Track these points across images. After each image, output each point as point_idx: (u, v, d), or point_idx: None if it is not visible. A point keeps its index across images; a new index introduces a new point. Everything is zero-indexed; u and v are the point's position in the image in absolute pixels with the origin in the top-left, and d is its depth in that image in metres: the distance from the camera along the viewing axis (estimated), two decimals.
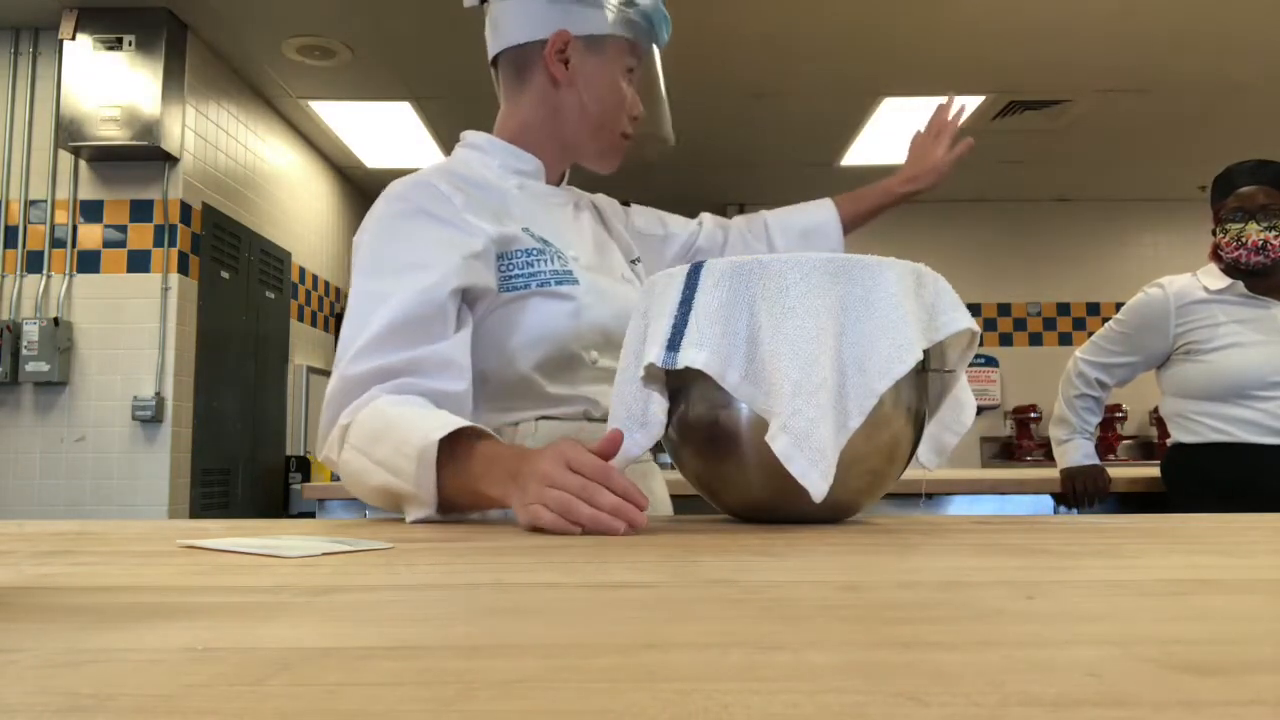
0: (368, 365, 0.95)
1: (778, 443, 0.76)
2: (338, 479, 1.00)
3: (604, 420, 1.03)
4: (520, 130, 1.17)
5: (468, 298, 1.03)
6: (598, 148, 1.18)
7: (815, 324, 0.78)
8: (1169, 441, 2.31)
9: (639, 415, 0.86)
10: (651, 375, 0.86)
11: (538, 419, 1.08)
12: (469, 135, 1.20)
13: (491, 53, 1.18)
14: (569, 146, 1.19)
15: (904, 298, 0.81)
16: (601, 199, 1.34)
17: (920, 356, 0.80)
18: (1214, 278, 2.24)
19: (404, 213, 1.04)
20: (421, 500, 0.88)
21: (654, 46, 1.20)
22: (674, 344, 0.81)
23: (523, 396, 1.07)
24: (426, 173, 1.09)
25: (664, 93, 1.21)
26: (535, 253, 1.07)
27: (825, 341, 0.78)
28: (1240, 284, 2.19)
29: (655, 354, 0.82)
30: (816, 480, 0.76)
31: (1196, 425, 2.19)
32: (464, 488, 0.87)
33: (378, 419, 0.92)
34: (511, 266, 1.06)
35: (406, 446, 0.86)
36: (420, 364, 0.95)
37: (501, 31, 1.16)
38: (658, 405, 0.86)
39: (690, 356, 0.80)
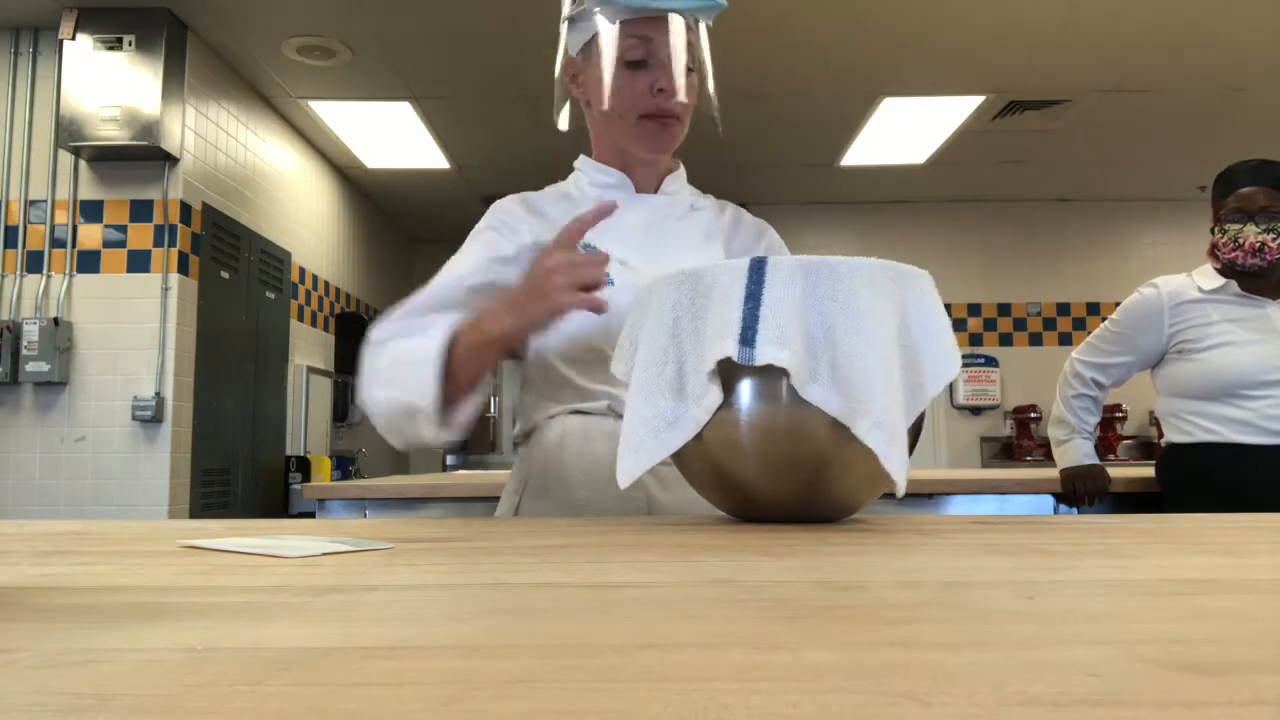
0: (388, 330, 1.12)
1: (873, 439, 0.78)
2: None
3: None
4: (597, 151, 1.27)
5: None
6: (626, 141, 1.19)
7: (885, 326, 0.81)
8: (1163, 441, 2.31)
9: (667, 414, 0.84)
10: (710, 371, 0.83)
11: (570, 412, 1.16)
12: (579, 159, 1.30)
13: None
14: (622, 150, 1.22)
15: (941, 308, 0.87)
16: (744, 216, 1.32)
17: (960, 364, 0.86)
18: (1208, 277, 2.23)
19: (477, 229, 1.22)
20: (428, 411, 1.01)
21: (674, 17, 1.11)
22: (748, 339, 0.80)
23: (559, 390, 1.17)
24: (520, 193, 1.26)
25: (679, 62, 1.12)
26: None
27: (893, 344, 0.81)
28: (1234, 284, 2.19)
29: (728, 349, 0.80)
30: (902, 475, 0.79)
31: (1189, 425, 2.19)
32: (469, 354, 1.02)
33: (383, 355, 1.09)
34: None
35: (412, 364, 1.02)
36: (427, 327, 1.09)
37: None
38: (714, 395, 0.83)
39: (771, 354, 0.79)
